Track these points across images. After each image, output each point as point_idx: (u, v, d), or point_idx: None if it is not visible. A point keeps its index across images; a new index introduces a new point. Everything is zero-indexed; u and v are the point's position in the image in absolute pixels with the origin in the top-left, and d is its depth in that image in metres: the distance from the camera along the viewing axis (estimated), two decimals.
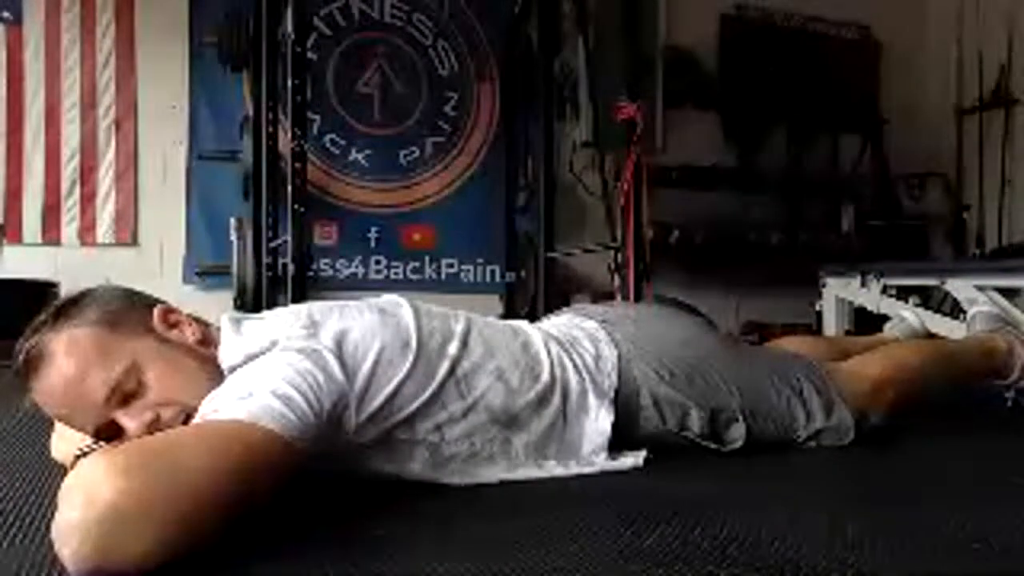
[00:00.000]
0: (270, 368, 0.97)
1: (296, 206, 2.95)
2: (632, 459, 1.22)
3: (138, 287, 1.18)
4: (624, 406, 1.25)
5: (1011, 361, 1.73)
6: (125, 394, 0.99)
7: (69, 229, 3.99)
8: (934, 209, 5.28)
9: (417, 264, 4.53)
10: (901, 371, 1.53)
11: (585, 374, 1.24)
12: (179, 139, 4.17)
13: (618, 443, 1.24)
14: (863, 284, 3.44)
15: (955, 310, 3.06)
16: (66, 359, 0.97)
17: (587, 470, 1.19)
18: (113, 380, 0.97)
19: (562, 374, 1.22)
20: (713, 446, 1.30)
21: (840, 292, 3.59)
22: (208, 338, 1.09)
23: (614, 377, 1.26)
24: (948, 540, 0.90)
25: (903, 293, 3.31)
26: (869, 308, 3.42)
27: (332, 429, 0.99)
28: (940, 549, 0.87)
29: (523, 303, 4.33)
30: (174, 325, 1.07)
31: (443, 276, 4.57)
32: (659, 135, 4.90)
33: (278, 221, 3.33)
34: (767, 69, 5.10)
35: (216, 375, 1.03)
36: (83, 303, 1.04)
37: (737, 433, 1.31)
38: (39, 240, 3.96)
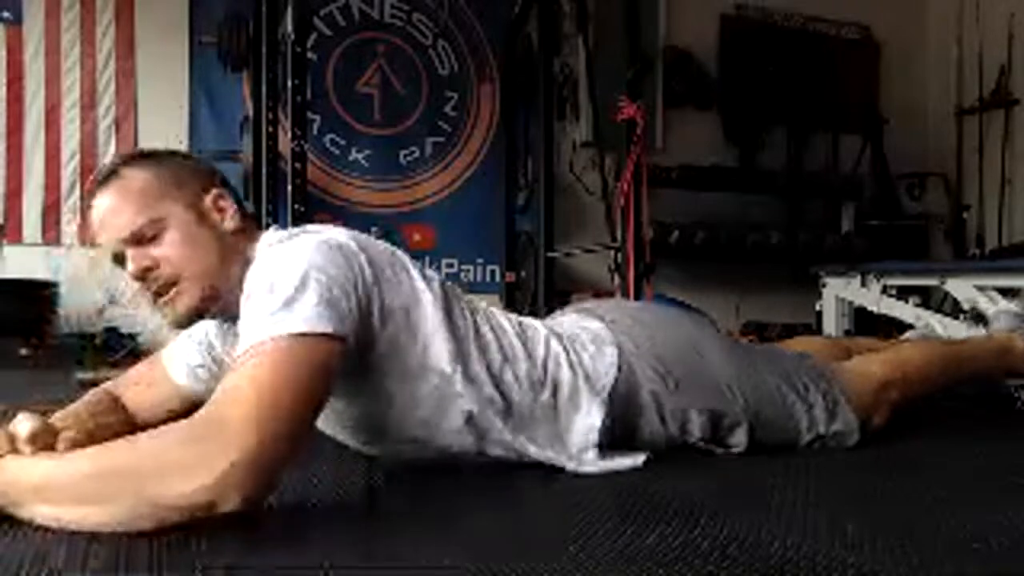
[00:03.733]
0: (306, 261, 1.00)
1: (296, 206, 2.95)
2: (631, 460, 1.22)
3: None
4: (623, 408, 1.25)
5: None
6: (141, 239, 1.09)
7: (69, 229, 3.99)
8: (934, 209, 5.28)
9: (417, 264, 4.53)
10: (906, 372, 1.52)
11: (579, 370, 1.24)
12: (179, 139, 4.17)
13: (618, 446, 1.23)
14: (863, 284, 3.45)
15: (955, 310, 3.07)
16: (114, 190, 1.11)
17: (586, 469, 1.19)
18: (136, 225, 1.09)
19: (556, 370, 1.22)
20: (719, 450, 1.30)
21: (840, 292, 3.59)
22: (245, 232, 1.16)
23: (612, 376, 1.26)
24: (948, 540, 0.90)
25: (903, 293, 3.32)
26: (869, 308, 3.43)
27: (366, 321, 1.04)
28: (940, 549, 0.87)
29: (523, 303, 4.33)
30: (220, 210, 1.15)
31: (442, 276, 4.56)
32: (659, 135, 4.90)
33: (278, 221, 3.33)
34: (767, 69, 5.10)
35: (232, 263, 1.12)
36: (164, 156, 1.18)
37: (739, 438, 1.31)
38: (39, 240, 3.96)
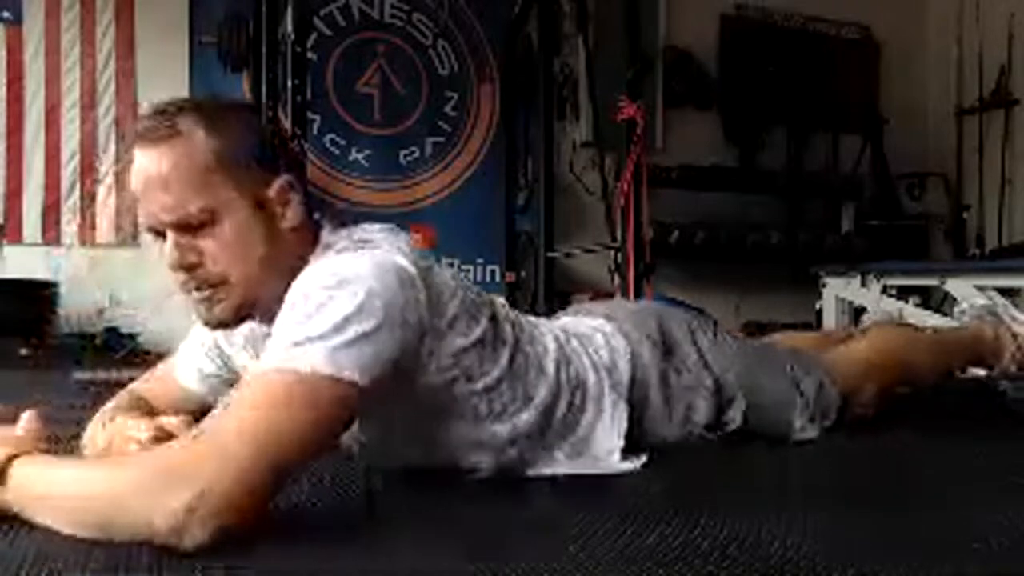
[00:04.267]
0: (363, 289, 0.91)
1: None
2: (630, 464, 1.21)
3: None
4: (637, 396, 1.26)
5: (997, 346, 1.79)
6: (189, 226, 0.96)
7: (69, 229, 3.99)
8: (934, 209, 5.28)
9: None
10: (885, 355, 1.60)
11: (603, 371, 1.24)
12: None
13: (629, 439, 1.23)
14: (863, 284, 3.45)
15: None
16: (172, 155, 0.94)
17: (593, 470, 1.18)
18: (186, 211, 0.95)
19: (581, 370, 1.22)
20: (716, 434, 1.33)
21: (840, 292, 3.60)
22: (304, 230, 1.03)
23: (628, 368, 1.27)
24: (948, 540, 0.90)
25: (903, 293, 3.32)
26: (869, 308, 3.43)
27: (409, 361, 0.96)
28: (940, 549, 0.87)
29: (523, 303, 4.33)
30: (284, 203, 1.01)
31: None
32: (659, 135, 4.90)
33: None
34: (767, 69, 5.09)
35: (282, 270, 0.98)
36: (240, 115, 1.02)
37: (735, 415, 1.34)
38: (39, 240, 3.96)
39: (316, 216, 1.07)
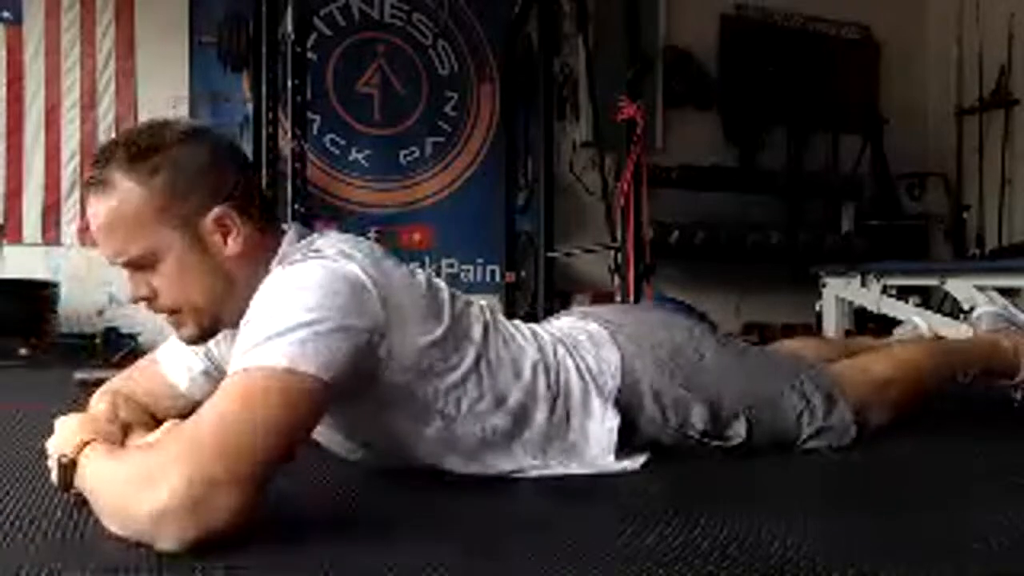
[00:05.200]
0: (307, 292, 0.95)
1: (296, 206, 2.95)
2: (630, 463, 1.22)
3: None
4: (626, 405, 1.25)
5: (1017, 360, 1.74)
6: (136, 264, 1.03)
7: (69, 229, 3.99)
8: (934, 209, 5.28)
9: (417, 264, 4.52)
10: (904, 371, 1.54)
11: (588, 377, 1.24)
12: None
13: (623, 445, 1.23)
14: (863, 284, 3.45)
15: (955, 310, 3.07)
16: (107, 208, 1.00)
17: (588, 471, 1.18)
18: (130, 254, 1.01)
19: (565, 376, 1.22)
20: (715, 444, 1.30)
21: (840, 292, 3.60)
22: (259, 249, 1.06)
23: (618, 378, 1.26)
24: (948, 540, 0.90)
25: (903, 293, 3.32)
26: (869, 308, 3.43)
27: (367, 360, 0.99)
28: (940, 549, 0.87)
29: (523, 303, 4.33)
30: (224, 230, 1.04)
31: (443, 276, 4.56)
32: (659, 135, 4.90)
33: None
34: (767, 69, 5.09)
35: (236, 291, 1.04)
36: (170, 154, 1.00)
37: (739, 430, 1.31)
38: (39, 240, 3.96)
39: (282, 225, 1.13)
